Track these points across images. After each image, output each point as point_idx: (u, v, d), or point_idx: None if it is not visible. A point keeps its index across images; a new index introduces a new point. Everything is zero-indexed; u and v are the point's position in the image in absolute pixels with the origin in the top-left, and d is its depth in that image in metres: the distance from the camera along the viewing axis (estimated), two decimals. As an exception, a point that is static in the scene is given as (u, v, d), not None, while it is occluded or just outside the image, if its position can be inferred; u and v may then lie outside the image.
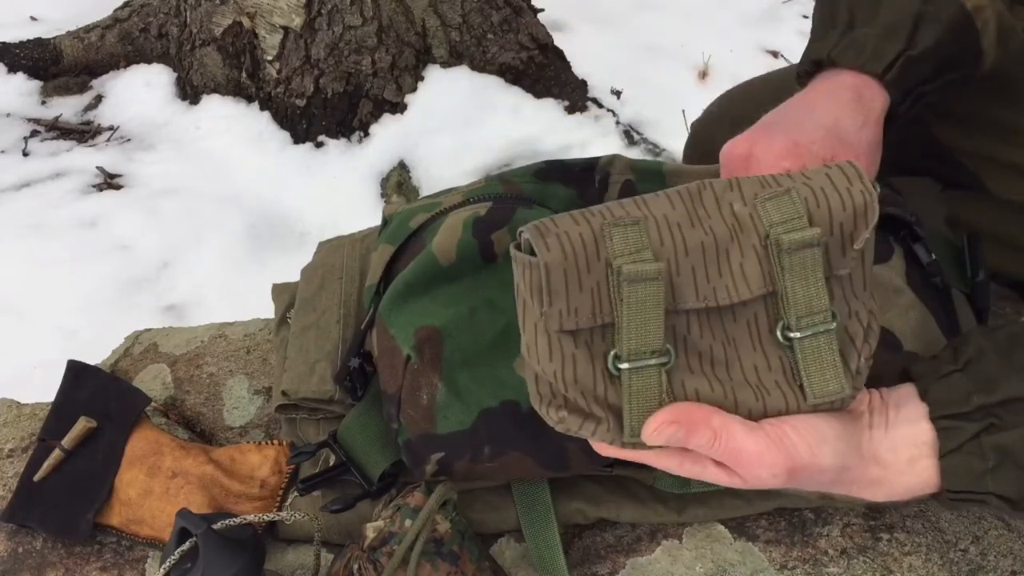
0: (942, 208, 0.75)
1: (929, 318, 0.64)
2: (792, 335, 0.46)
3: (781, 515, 0.68)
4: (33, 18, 2.50)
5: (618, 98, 2.15)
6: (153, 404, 0.79)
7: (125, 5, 2.31)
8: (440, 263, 0.64)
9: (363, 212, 1.84)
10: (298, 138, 2.05)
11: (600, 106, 2.11)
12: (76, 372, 0.79)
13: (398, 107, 2.04)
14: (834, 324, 0.46)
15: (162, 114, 2.15)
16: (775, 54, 2.32)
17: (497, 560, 0.66)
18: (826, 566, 0.65)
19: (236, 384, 0.83)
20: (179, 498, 0.69)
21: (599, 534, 0.69)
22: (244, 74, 2.09)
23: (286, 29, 1.96)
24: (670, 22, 2.40)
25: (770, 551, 0.66)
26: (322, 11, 1.93)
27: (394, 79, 2.02)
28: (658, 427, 0.45)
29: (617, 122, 2.06)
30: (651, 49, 2.31)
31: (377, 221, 0.77)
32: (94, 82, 2.27)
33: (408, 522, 0.59)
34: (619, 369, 0.45)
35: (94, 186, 1.94)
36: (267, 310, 0.84)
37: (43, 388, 0.81)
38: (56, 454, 0.73)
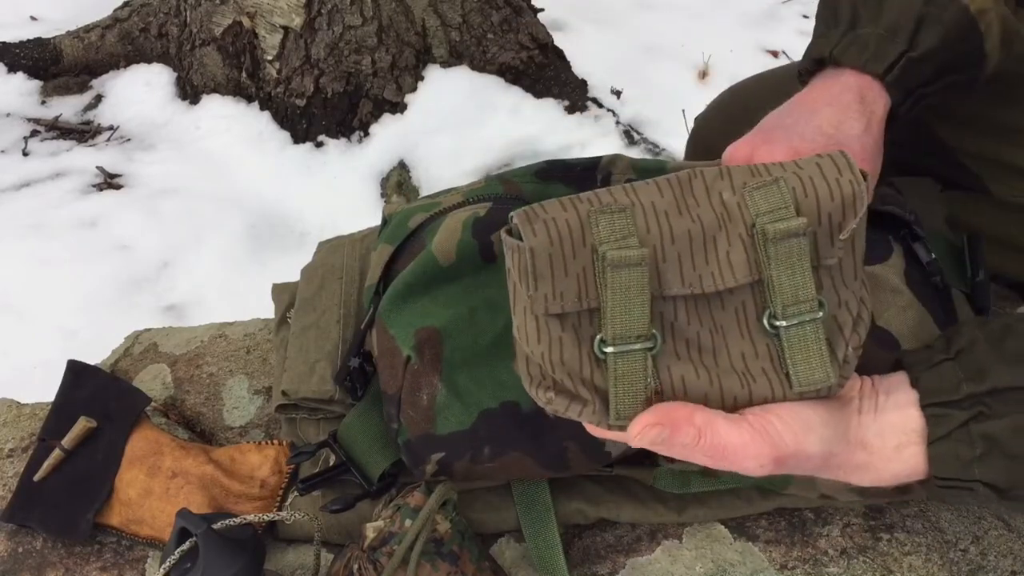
0: (942, 208, 0.75)
1: (927, 317, 0.64)
2: (778, 323, 0.46)
3: (781, 515, 0.68)
4: (33, 18, 2.50)
5: (618, 98, 2.15)
6: (153, 404, 0.79)
7: (125, 5, 2.31)
8: (440, 263, 0.64)
9: (363, 212, 1.84)
10: (298, 138, 2.05)
11: (600, 106, 2.11)
12: (76, 372, 0.79)
13: (398, 107, 2.04)
14: (820, 313, 0.46)
15: (162, 114, 2.15)
16: (775, 54, 2.33)
17: (497, 560, 0.66)
18: (826, 566, 0.65)
19: (236, 384, 0.83)
20: (179, 498, 0.69)
21: (599, 534, 0.69)
22: (244, 74, 2.09)
23: (286, 29, 1.96)
24: (670, 22, 2.40)
25: (770, 551, 0.66)
26: (322, 11, 1.93)
27: (394, 79, 2.02)
28: (641, 430, 0.45)
29: (617, 122, 2.06)
30: (651, 49, 2.31)
31: (377, 221, 0.77)
32: (94, 82, 2.27)
33: (408, 522, 0.59)
34: (604, 353, 0.45)
35: (94, 186, 1.94)
36: (267, 310, 0.84)
37: (43, 388, 0.81)
38: (56, 454, 0.73)
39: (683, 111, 1.91)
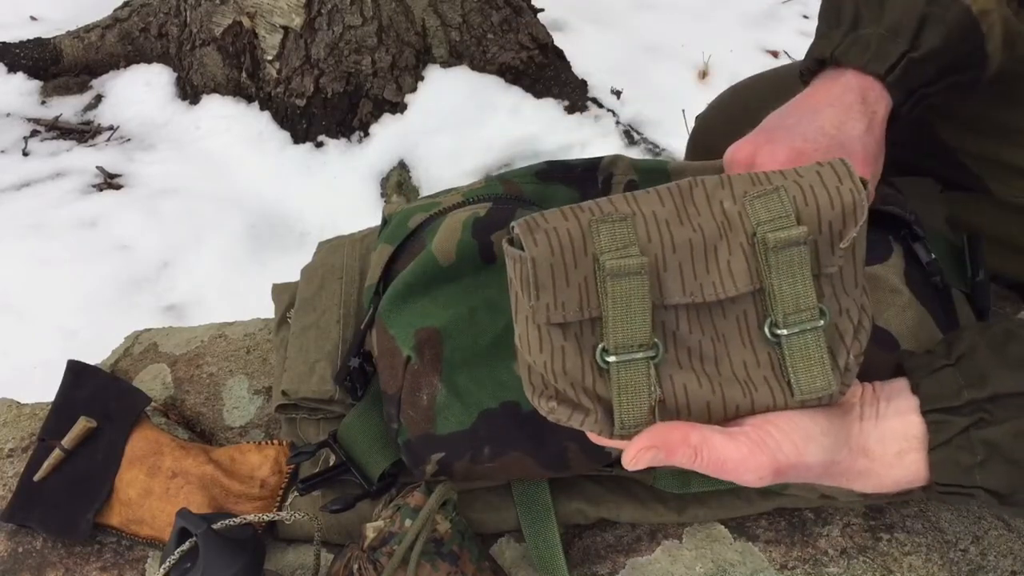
0: (943, 208, 0.75)
1: (927, 317, 0.64)
2: (780, 332, 0.46)
3: (781, 515, 0.68)
4: (33, 18, 2.50)
5: (618, 98, 2.15)
6: (153, 404, 0.79)
7: (125, 5, 2.31)
8: (440, 263, 0.64)
9: (363, 212, 1.84)
10: (298, 138, 2.05)
11: (600, 106, 2.11)
12: (76, 372, 0.79)
13: (398, 107, 2.04)
14: (822, 322, 0.46)
15: (162, 114, 2.15)
16: (775, 54, 2.33)
17: (497, 560, 0.66)
18: (826, 566, 0.65)
19: (236, 384, 0.83)
20: (179, 498, 0.69)
21: (599, 534, 0.69)
22: (244, 74, 2.09)
23: (286, 29, 1.96)
24: (670, 22, 2.40)
25: (770, 551, 0.66)
26: (322, 11, 1.93)
27: (394, 79, 2.02)
28: (636, 454, 0.45)
29: (617, 122, 2.06)
30: (651, 49, 2.31)
31: (377, 221, 0.77)
32: (94, 82, 2.27)
33: (408, 522, 0.59)
34: (607, 362, 0.45)
35: (94, 186, 1.94)
36: (267, 310, 0.84)
37: (43, 388, 0.81)
38: (56, 454, 0.73)
39: (683, 111, 1.91)
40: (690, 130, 1.09)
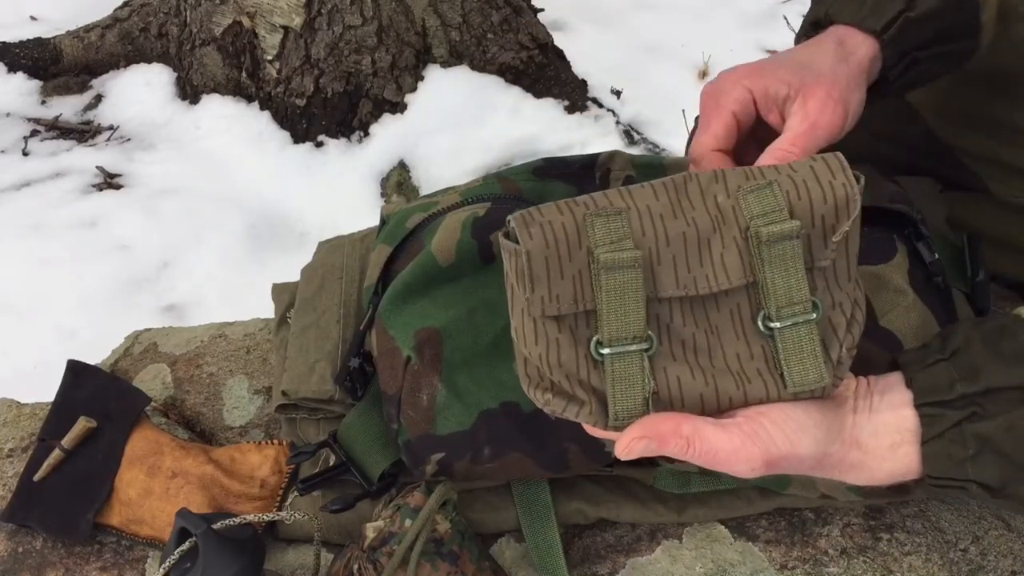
0: (942, 208, 0.75)
1: (931, 318, 0.64)
2: (773, 325, 0.47)
3: (781, 515, 0.68)
4: (33, 18, 2.50)
5: (618, 98, 2.15)
6: (153, 404, 0.79)
7: (125, 5, 2.31)
8: (439, 264, 0.64)
9: (363, 212, 1.84)
10: (298, 138, 2.05)
11: (600, 106, 2.11)
12: (76, 372, 0.79)
13: (398, 107, 2.04)
14: (815, 315, 0.47)
15: (162, 114, 2.15)
16: (775, 54, 2.32)
17: (497, 560, 0.66)
18: (826, 566, 0.65)
19: (236, 384, 0.83)
20: (179, 498, 0.69)
21: (599, 534, 0.69)
22: (244, 74, 2.09)
23: (286, 29, 1.96)
24: (670, 22, 2.40)
25: (770, 551, 0.66)
26: (322, 11, 1.93)
27: (394, 79, 2.02)
28: (629, 444, 0.46)
29: (617, 122, 2.06)
30: (651, 49, 2.31)
31: (377, 221, 0.77)
32: (94, 82, 2.27)
33: (408, 522, 0.59)
34: (601, 354, 0.46)
35: (94, 186, 1.94)
36: (267, 310, 0.84)
37: (43, 388, 0.81)
38: (56, 454, 0.73)
39: (683, 111, 1.91)
40: (690, 130, 1.09)
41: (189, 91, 2.18)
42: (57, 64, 2.26)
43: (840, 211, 0.46)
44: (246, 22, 2.01)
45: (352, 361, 0.68)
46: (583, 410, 0.47)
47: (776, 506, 0.68)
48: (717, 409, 0.47)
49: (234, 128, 2.06)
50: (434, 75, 2.05)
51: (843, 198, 0.46)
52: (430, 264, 0.64)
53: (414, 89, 2.04)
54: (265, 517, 0.64)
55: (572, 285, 0.45)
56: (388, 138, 2.01)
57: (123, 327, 0.92)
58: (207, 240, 1.79)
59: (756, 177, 0.47)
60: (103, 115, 2.18)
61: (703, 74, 2.22)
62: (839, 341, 0.48)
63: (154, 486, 0.71)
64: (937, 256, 0.66)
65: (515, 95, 2.07)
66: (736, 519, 0.68)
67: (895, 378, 0.51)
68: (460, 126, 1.98)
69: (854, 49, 0.62)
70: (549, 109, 2.06)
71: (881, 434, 0.49)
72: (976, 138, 0.78)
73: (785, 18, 2.43)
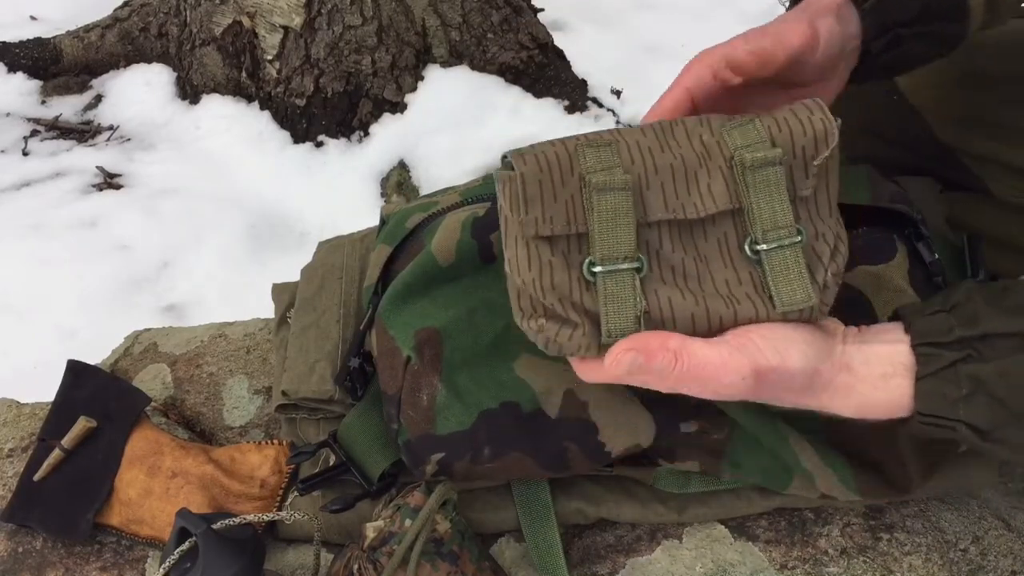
0: (942, 208, 0.75)
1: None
2: (759, 247, 0.49)
3: (781, 515, 0.68)
4: (33, 18, 2.50)
5: (618, 98, 2.15)
6: (153, 404, 0.79)
7: (125, 5, 2.31)
8: (439, 264, 0.64)
9: (363, 212, 1.84)
10: (298, 138, 2.05)
11: (600, 106, 2.11)
12: (76, 372, 0.79)
13: (398, 107, 2.03)
14: (800, 238, 0.49)
15: (162, 114, 2.15)
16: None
17: (497, 560, 0.66)
18: (826, 566, 0.65)
19: (236, 384, 0.83)
20: (179, 498, 0.70)
21: (599, 534, 0.69)
22: (244, 74, 2.09)
23: (286, 29, 1.96)
24: (670, 22, 2.40)
25: (770, 551, 0.66)
26: (322, 11, 1.93)
27: (394, 79, 2.02)
28: (616, 357, 0.46)
29: (617, 122, 2.06)
30: (651, 49, 2.30)
31: (377, 221, 0.77)
32: (94, 82, 2.27)
33: (408, 522, 0.59)
34: (593, 273, 0.48)
35: (94, 186, 1.94)
36: (267, 310, 0.84)
37: (43, 388, 0.81)
38: (56, 454, 0.73)
39: (683, 111, 1.91)
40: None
41: (189, 91, 2.18)
42: (57, 64, 2.26)
43: (819, 142, 0.49)
44: (246, 22, 2.01)
45: (352, 361, 0.68)
46: (576, 332, 0.48)
47: (776, 506, 0.68)
48: (708, 330, 0.48)
49: (234, 128, 2.06)
50: (434, 75, 2.05)
51: (821, 131, 0.49)
52: (430, 264, 0.64)
53: (414, 89, 2.04)
54: (265, 517, 0.64)
55: (565, 208, 0.48)
56: (388, 138, 2.00)
57: (123, 327, 0.92)
58: (207, 240, 1.79)
59: (738, 117, 0.50)
60: (103, 115, 2.18)
61: (703, 74, 2.22)
62: (824, 267, 0.49)
63: (154, 486, 0.71)
64: (937, 256, 0.66)
65: (515, 95, 2.07)
66: (736, 519, 0.68)
67: (892, 324, 0.51)
68: (460, 126, 1.98)
69: (819, 2, 0.61)
70: (549, 109, 2.06)
71: (873, 363, 0.49)
72: (977, 139, 0.78)
73: (785, 18, 2.43)
